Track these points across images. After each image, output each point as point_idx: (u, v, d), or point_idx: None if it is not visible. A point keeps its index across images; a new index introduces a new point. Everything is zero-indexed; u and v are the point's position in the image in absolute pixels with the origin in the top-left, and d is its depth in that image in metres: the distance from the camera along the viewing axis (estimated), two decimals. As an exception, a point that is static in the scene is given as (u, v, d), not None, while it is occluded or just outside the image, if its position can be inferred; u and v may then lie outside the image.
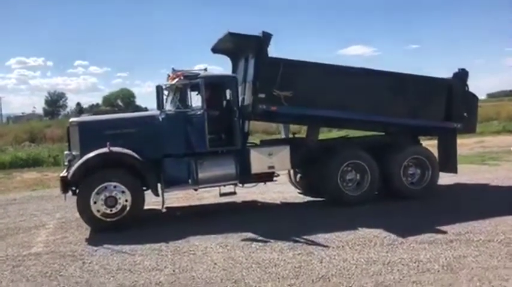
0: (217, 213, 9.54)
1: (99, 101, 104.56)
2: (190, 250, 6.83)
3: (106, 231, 7.91)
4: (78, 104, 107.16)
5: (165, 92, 9.08)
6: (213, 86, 8.93)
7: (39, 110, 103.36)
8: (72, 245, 7.45)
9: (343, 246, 6.68)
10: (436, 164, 9.88)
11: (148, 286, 5.50)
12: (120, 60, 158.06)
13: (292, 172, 10.70)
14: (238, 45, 9.55)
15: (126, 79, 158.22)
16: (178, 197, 10.87)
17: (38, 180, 15.56)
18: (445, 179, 10.71)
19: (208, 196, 10.79)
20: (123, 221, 8.09)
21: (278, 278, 5.55)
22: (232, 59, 10.42)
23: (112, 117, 9.79)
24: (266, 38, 8.75)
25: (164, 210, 9.74)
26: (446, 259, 5.93)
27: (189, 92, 8.77)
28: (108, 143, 8.01)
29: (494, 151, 18.14)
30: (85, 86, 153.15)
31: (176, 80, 8.85)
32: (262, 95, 8.75)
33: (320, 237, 7.14)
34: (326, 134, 17.67)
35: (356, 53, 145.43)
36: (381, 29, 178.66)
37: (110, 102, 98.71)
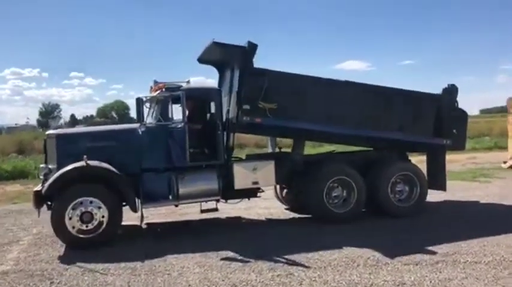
0: (199, 230, 9.22)
1: (94, 112, 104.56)
2: (166, 270, 6.52)
3: (81, 248, 7.59)
4: (72, 115, 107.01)
5: (147, 105, 8.86)
6: (195, 98, 8.69)
7: (33, 121, 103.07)
8: (43, 263, 7.11)
9: (325, 267, 6.40)
10: (424, 181, 9.65)
11: (116, 310, 5.19)
12: (115, 71, 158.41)
13: (278, 187, 10.45)
14: (223, 55, 9.32)
15: (121, 91, 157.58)
16: (160, 213, 10.56)
17: (21, 193, 15.15)
18: (434, 196, 10.49)
19: (191, 211, 10.44)
20: (99, 238, 7.76)
21: (254, 302, 5.26)
22: (219, 70, 10.20)
23: (90, 130, 9.53)
24: (251, 48, 8.52)
25: (145, 226, 9.52)
26: (431, 281, 5.67)
27: (170, 105, 8.52)
28: (85, 157, 7.73)
29: (486, 167, 17.96)
30: (80, 97, 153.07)
31: (158, 92, 8.61)
32: (246, 107, 8.50)
33: (302, 257, 6.85)
34: (317, 149, 17.46)
35: (351, 68, 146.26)
36: (375, 44, 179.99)
37: (104, 114, 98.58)
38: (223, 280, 6.01)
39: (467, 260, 6.42)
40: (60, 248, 7.90)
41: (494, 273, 5.89)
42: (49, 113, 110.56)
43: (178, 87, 8.57)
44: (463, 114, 10.17)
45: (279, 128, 9.00)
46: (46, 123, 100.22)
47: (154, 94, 8.65)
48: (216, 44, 8.75)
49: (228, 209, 10.13)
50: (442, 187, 10.00)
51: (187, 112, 8.60)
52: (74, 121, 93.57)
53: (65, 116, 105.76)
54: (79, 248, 7.61)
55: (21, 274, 6.60)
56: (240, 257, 6.98)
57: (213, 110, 8.93)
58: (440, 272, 6.01)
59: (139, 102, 8.26)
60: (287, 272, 6.24)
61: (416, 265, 6.32)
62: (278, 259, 6.80)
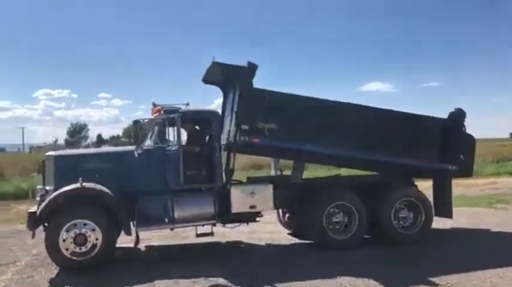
0: (196, 254, 9.09)
1: (120, 132, 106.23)
2: (152, 297, 6.41)
3: (75, 271, 7.56)
4: (99, 135, 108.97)
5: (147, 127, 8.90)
6: (191, 121, 8.68)
7: (61, 141, 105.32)
8: (32, 286, 7.09)
9: (315, 297, 6.18)
10: (429, 208, 9.35)
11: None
12: (142, 93, 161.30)
13: (281, 211, 10.28)
14: (224, 75, 9.28)
15: (147, 111, 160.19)
16: (161, 235, 10.48)
17: (32, 212, 15.32)
18: (441, 223, 10.13)
19: (193, 234, 10.35)
20: (93, 261, 7.70)
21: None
22: (223, 90, 10.12)
23: (88, 152, 9.58)
24: (251, 68, 8.49)
25: (143, 248, 9.47)
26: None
27: (167, 127, 8.51)
28: (80, 179, 7.75)
29: (506, 192, 17.31)
30: (107, 117, 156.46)
31: (156, 114, 8.63)
32: (245, 127, 8.42)
33: (296, 285, 6.65)
34: (326, 172, 17.17)
35: (374, 89, 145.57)
36: (400, 65, 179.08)
37: (130, 134, 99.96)
38: (205, 308, 5.86)
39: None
40: (54, 270, 7.87)
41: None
42: (77, 132, 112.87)
43: (176, 110, 8.56)
44: (470, 140, 9.85)
45: (277, 149, 8.88)
46: (73, 143, 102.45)
47: (152, 117, 8.67)
48: (216, 64, 8.75)
49: (230, 232, 10.00)
50: (447, 214, 9.66)
51: (186, 135, 8.59)
52: (100, 141, 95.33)
53: (92, 136, 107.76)
54: (73, 271, 7.59)
55: (9, 296, 6.58)
56: (229, 285, 6.84)
57: (209, 132, 8.86)
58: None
59: (137, 124, 8.29)
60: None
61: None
62: (268, 287, 6.61)
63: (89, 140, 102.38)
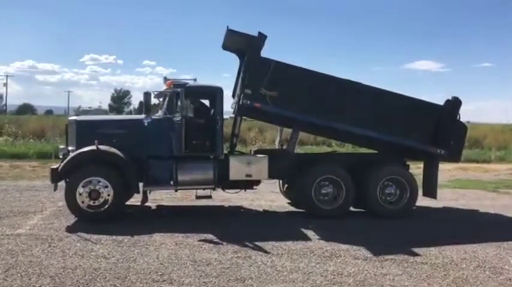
0: (198, 215, 10.16)
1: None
2: (146, 244, 7.47)
3: (88, 221, 8.75)
4: (141, 102, 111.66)
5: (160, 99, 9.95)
6: (195, 95, 9.59)
7: (105, 106, 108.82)
8: (51, 230, 8.31)
9: (282, 254, 7.08)
10: (415, 187, 9.97)
11: (86, 271, 6.17)
12: (186, 62, 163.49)
13: (281, 182, 11.13)
14: (236, 43, 10.02)
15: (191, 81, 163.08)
16: (171, 198, 11.63)
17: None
18: (434, 202, 10.81)
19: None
20: (104, 214, 8.88)
21: (201, 276, 6.07)
22: (239, 57, 10.79)
23: (105, 118, 10.70)
24: (261, 38, 9.27)
25: (154, 207, 10.65)
26: (365, 274, 6.21)
27: (174, 100, 9.45)
28: (96, 141, 8.86)
29: (521, 178, 17.50)
30: (151, 85, 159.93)
31: (166, 87, 9.60)
32: (248, 91, 9.23)
33: (270, 244, 7.56)
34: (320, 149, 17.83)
35: (422, 68, 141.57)
36: (452, 45, 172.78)
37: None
38: (187, 257, 6.86)
39: (416, 261, 6.85)
40: (72, 220, 9.09)
41: (430, 273, 6.32)
42: (120, 98, 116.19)
43: (184, 85, 9.49)
44: (463, 128, 10.33)
45: (276, 116, 9.69)
46: (117, 108, 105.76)
47: (162, 90, 9.66)
48: (230, 32, 9.53)
49: (234, 198, 11.04)
50: (432, 194, 10.24)
51: (192, 107, 9.52)
52: (141, 108, 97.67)
53: (135, 103, 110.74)
54: (86, 221, 8.78)
55: (31, 237, 7.81)
56: (216, 240, 7.82)
57: (212, 106, 9.77)
58: (382, 268, 6.52)
59: (148, 95, 9.28)
60: (247, 255, 6.99)
61: (365, 260, 6.86)
62: (247, 244, 7.55)
63: (131, 107, 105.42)
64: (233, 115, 10.31)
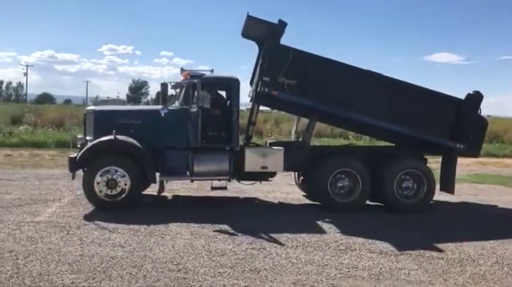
0: (214, 205, 10.20)
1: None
2: (162, 234, 7.55)
3: (105, 210, 8.87)
4: (159, 93, 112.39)
5: (177, 90, 9.98)
6: (211, 86, 9.60)
7: (123, 96, 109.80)
8: (70, 218, 8.44)
9: (297, 246, 7.08)
10: (432, 181, 9.83)
11: (103, 258, 6.27)
12: (204, 53, 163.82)
13: (297, 174, 11.11)
14: (256, 30, 9.92)
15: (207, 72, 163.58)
16: (188, 188, 11.71)
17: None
18: (454, 197, 10.70)
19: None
20: (121, 203, 8.99)
21: (216, 266, 6.11)
22: (258, 45, 10.68)
23: (122, 109, 10.78)
24: (281, 25, 9.21)
25: (170, 197, 10.74)
26: (380, 268, 6.18)
27: (191, 91, 9.47)
28: (114, 131, 8.94)
29: (539, 174, 17.20)
30: (168, 76, 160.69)
31: (182, 78, 9.63)
32: (266, 79, 9.18)
33: (284, 236, 7.57)
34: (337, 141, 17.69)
35: (441, 61, 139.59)
36: (471, 37, 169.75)
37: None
38: (203, 247, 6.91)
39: (432, 255, 6.79)
40: (90, 208, 9.21)
41: (447, 268, 6.26)
42: (138, 89, 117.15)
43: (200, 76, 9.50)
44: (483, 122, 10.15)
45: (294, 105, 9.65)
46: (134, 99, 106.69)
47: (179, 81, 9.69)
48: (250, 19, 9.49)
49: (249, 189, 11.07)
50: (449, 189, 10.12)
51: (209, 98, 9.53)
52: (158, 98, 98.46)
53: (152, 93, 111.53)
54: (104, 210, 8.90)
55: (49, 224, 7.96)
56: (231, 231, 7.85)
57: (229, 98, 9.77)
58: (397, 262, 6.48)
59: (165, 86, 9.33)
60: (261, 247, 7.01)
61: (380, 254, 6.82)
62: (262, 235, 7.58)
63: (148, 97, 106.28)
64: (250, 105, 10.28)
